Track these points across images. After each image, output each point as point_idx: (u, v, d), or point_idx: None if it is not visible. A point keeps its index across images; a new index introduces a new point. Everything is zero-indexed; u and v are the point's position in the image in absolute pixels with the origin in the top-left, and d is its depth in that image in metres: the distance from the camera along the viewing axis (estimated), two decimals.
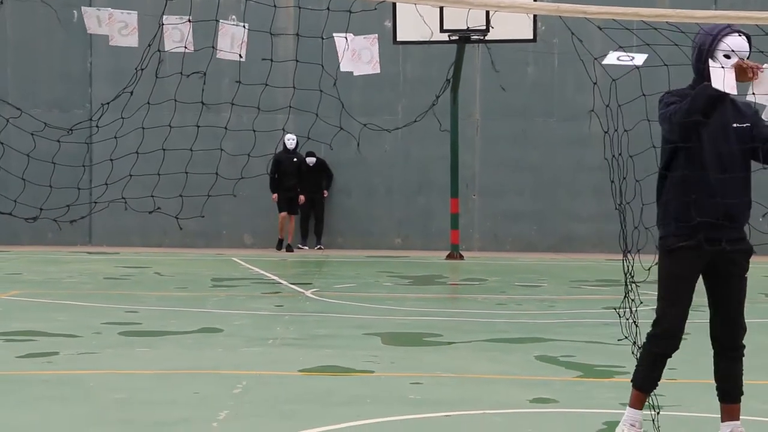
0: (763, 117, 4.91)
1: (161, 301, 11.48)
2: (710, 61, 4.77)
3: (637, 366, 5.10)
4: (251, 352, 8.15)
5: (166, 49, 5.33)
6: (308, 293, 12.46)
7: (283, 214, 19.03)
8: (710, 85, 4.73)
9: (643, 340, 5.04)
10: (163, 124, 6.14)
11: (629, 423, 5.06)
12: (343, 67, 5.57)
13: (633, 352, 5.05)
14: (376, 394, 6.60)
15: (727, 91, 4.62)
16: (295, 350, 8.30)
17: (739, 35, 4.87)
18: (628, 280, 5.05)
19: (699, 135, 4.89)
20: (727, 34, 4.85)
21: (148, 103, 5.97)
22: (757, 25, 4.70)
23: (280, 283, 13.64)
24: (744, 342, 5.10)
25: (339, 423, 5.75)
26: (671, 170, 4.98)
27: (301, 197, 19.08)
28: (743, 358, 5.12)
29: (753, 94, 4.66)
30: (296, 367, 7.52)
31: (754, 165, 5.01)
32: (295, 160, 18.99)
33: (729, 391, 5.12)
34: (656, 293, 5.02)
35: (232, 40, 5.42)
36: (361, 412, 6.03)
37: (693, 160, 4.91)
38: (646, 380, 5.06)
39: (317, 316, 10.52)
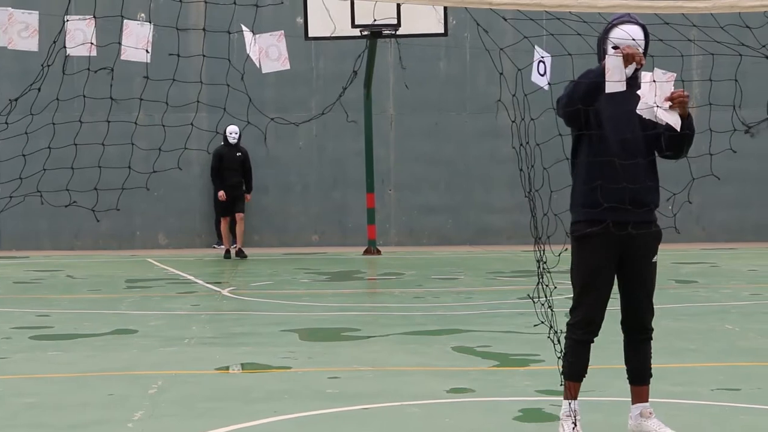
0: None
1: (74, 304, 11.30)
2: (607, 54, 4.83)
3: (563, 356, 5.10)
4: (167, 352, 8.07)
5: (68, 52, 5.23)
6: (225, 292, 12.38)
7: (225, 219, 17.39)
8: (589, 72, 4.80)
9: (559, 325, 5.09)
10: (73, 121, 6.04)
11: (565, 414, 5.06)
12: (253, 57, 5.52)
13: (549, 337, 5.11)
14: (293, 389, 6.58)
15: (621, 81, 4.68)
16: (211, 349, 8.24)
17: (633, 24, 4.88)
18: (540, 267, 5.11)
19: (600, 121, 4.94)
20: (619, 24, 4.87)
21: (57, 99, 5.88)
22: (656, 14, 4.79)
23: (196, 282, 13.52)
24: (653, 326, 5.19)
25: (256, 419, 5.73)
26: (578, 156, 5.04)
27: (247, 196, 17.52)
28: (651, 341, 5.21)
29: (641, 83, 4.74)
30: (213, 365, 7.47)
31: None
32: (238, 154, 17.45)
33: (638, 374, 5.19)
34: (568, 281, 5.08)
35: (137, 39, 5.34)
36: (278, 407, 6.01)
37: (596, 146, 4.94)
38: (572, 369, 5.08)
39: (234, 314, 10.46)
